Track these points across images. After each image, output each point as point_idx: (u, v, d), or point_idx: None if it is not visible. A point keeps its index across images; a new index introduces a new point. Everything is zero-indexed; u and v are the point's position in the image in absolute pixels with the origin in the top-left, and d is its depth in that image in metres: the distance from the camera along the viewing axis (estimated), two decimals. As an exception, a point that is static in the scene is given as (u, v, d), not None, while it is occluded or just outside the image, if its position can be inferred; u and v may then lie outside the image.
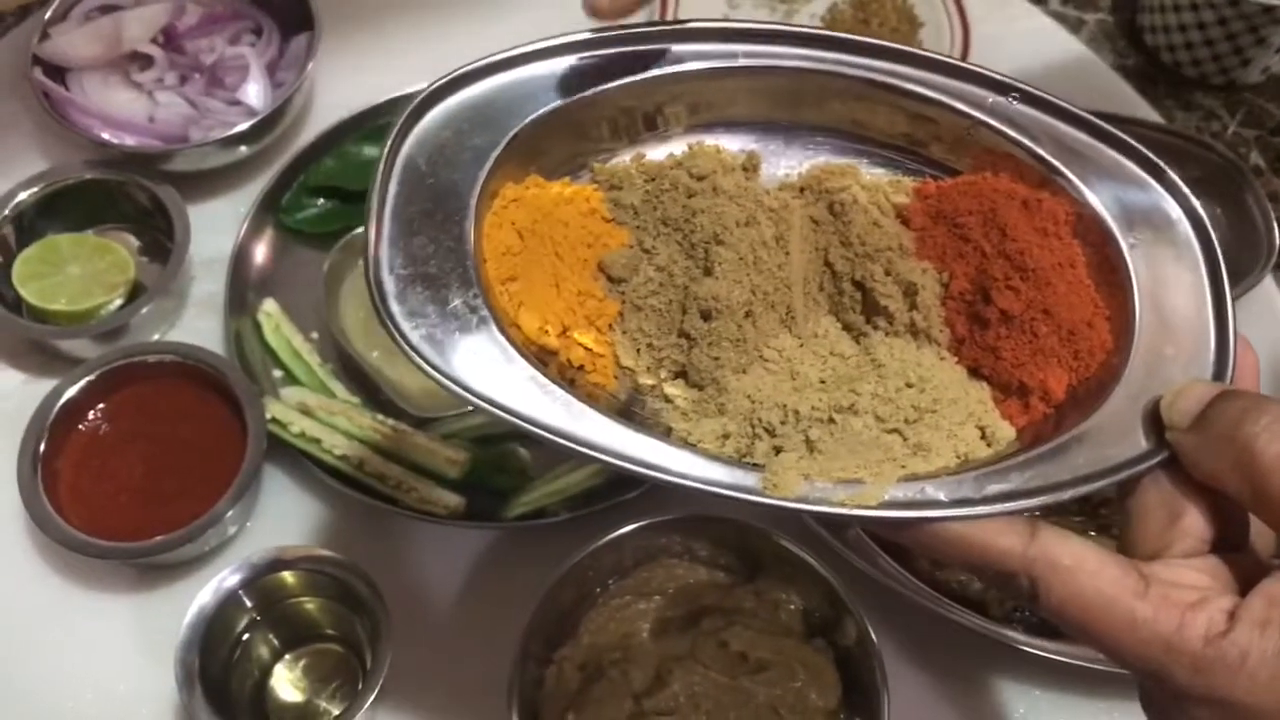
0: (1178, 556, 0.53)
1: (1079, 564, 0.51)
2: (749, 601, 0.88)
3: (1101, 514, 0.95)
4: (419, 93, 0.62)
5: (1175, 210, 0.63)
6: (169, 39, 1.13)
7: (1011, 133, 0.65)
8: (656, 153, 0.68)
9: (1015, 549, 0.52)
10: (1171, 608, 0.49)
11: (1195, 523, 0.54)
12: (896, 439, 0.58)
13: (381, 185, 0.60)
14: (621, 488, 0.97)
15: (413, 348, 0.56)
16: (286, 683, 0.89)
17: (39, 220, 1.07)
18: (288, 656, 0.90)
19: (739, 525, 0.89)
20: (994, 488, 0.55)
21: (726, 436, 0.59)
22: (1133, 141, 0.64)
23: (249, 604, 0.86)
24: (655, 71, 0.66)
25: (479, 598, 0.94)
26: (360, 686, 0.86)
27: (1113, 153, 0.65)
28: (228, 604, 0.84)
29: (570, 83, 0.64)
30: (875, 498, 0.55)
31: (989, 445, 0.59)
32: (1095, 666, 0.87)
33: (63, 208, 1.08)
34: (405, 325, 0.57)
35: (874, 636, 0.84)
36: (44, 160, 1.14)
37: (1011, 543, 0.52)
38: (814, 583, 0.87)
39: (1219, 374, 0.59)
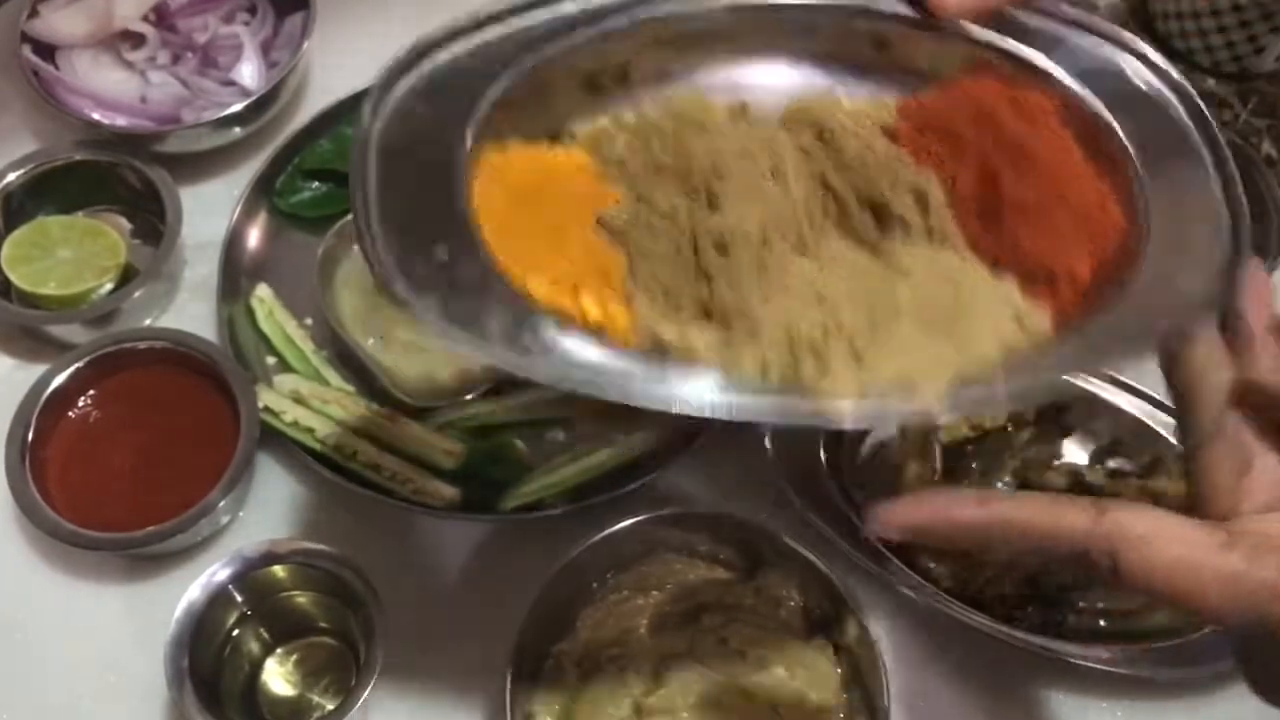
0: (1256, 510, 0.52)
1: (1157, 531, 0.50)
2: (749, 598, 0.87)
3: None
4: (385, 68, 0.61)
5: (1155, 81, 0.63)
6: (161, 17, 1.11)
7: (977, 34, 0.64)
8: (633, 112, 0.67)
9: (1084, 525, 0.51)
10: (1265, 554, 0.48)
11: (1267, 471, 0.53)
12: (941, 337, 0.57)
13: (360, 164, 0.58)
14: (620, 480, 0.95)
15: (435, 325, 0.54)
16: (278, 677, 0.88)
17: (28, 202, 1.05)
18: (279, 651, 0.88)
19: (739, 520, 0.88)
20: (1047, 373, 0.56)
21: (768, 366, 0.58)
22: (1098, 21, 0.64)
23: (239, 599, 0.84)
24: (614, 22, 0.65)
25: (474, 591, 0.93)
26: (354, 681, 0.85)
27: (1079, 35, 0.64)
28: (217, 599, 0.82)
29: (540, 43, 0.63)
30: (936, 397, 0.55)
31: (1027, 334, 0.59)
32: (1100, 667, 0.86)
33: (52, 189, 1.06)
34: (417, 303, 0.55)
35: (875, 635, 0.83)
36: (33, 141, 1.12)
37: (1079, 519, 0.51)
38: (815, 579, 0.86)
39: (1237, 244, 0.59)
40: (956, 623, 0.87)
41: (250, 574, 0.84)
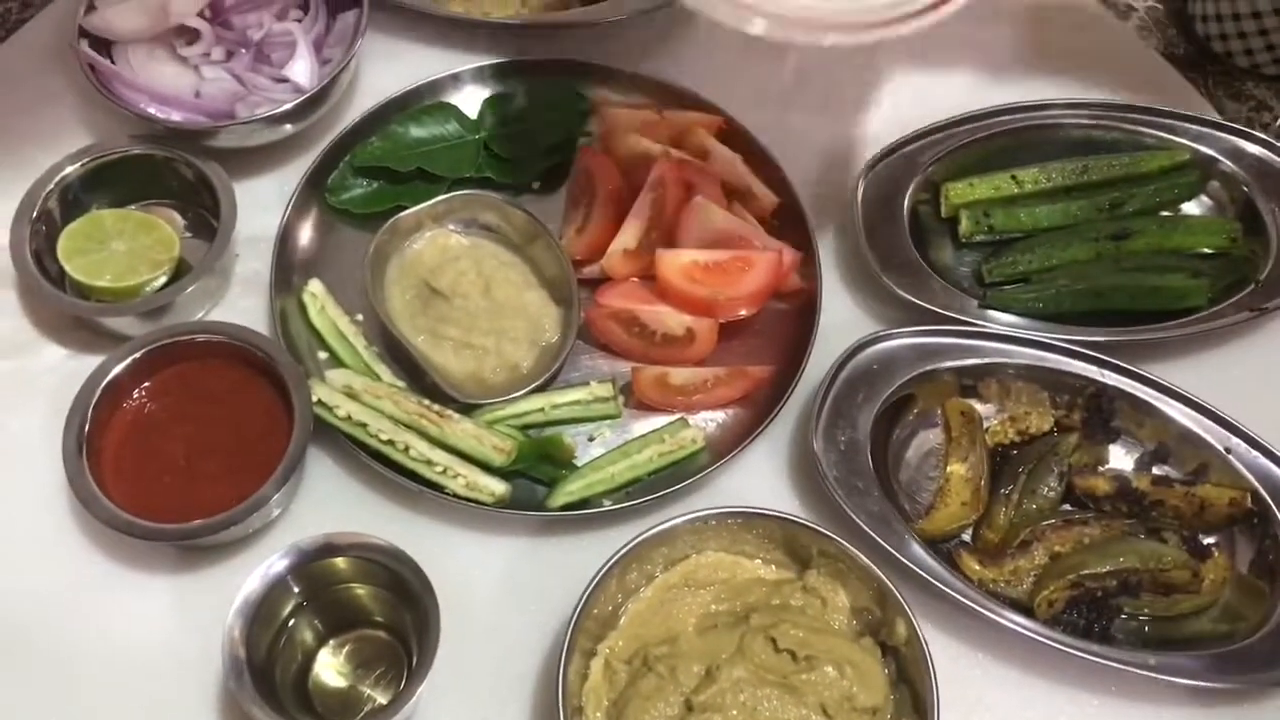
0: None
1: None
2: (797, 598, 0.87)
3: (1153, 516, 0.95)
4: None
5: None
6: (216, 13, 1.12)
7: None
8: None
9: None
10: None
11: None
12: None
13: None
14: (668, 479, 0.96)
15: None
16: (330, 669, 0.89)
17: (84, 194, 1.06)
18: (332, 642, 0.89)
19: (787, 522, 0.88)
20: None
21: None
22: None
23: (296, 589, 0.85)
24: None
25: (524, 587, 0.94)
26: (406, 675, 0.86)
27: None
28: (274, 589, 0.83)
29: None
30: None
31: None
32: (1143, 673, 0.86)
33: (108, 182, 1.07)
34: None
35: (924, 637, 0.83)
36: (89, 134, 1.13)
37: None
38: (864, 581, 0.86)
39: None
40: (1005, 628, 0.88)
41: (308, 565, 0.84)
